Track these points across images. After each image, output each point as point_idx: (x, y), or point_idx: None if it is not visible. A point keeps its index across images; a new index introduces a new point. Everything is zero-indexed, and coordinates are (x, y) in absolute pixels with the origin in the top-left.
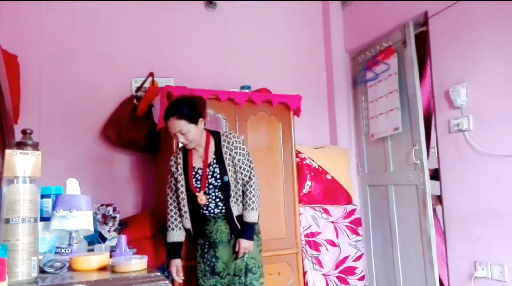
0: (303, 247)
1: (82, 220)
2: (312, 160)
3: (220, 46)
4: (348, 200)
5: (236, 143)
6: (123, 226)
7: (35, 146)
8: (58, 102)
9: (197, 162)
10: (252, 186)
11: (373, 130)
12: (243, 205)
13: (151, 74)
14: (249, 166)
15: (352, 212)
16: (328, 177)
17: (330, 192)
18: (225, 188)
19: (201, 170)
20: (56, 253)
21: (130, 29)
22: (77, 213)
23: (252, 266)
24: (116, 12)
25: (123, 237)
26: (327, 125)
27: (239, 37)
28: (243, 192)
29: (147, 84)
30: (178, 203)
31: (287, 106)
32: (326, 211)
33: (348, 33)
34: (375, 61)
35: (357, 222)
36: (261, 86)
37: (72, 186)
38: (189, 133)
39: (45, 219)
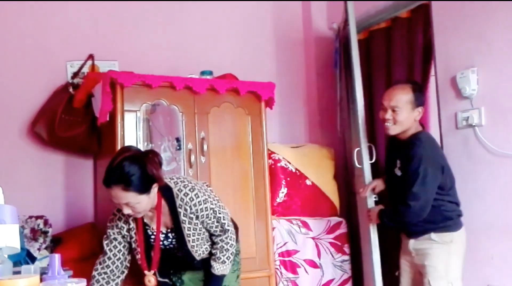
0: (277, 268)
1: (6, 236)
2: (288, 162)
3: (176, 23)
4: (333, 211)
5: (196, 205)
6: (57, 243)
7: None
8: None
9: (149, 224)
10: (224, 240)
11: None
12: (213, 254)
13: (91, 57)
14: (218, 220)
15: (337, 226)
16: (308, 183)
17: (310, 202)
18: (186, 256)
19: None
20: None
21: (65, 3)
22: None
23: None
24: None
25: (57, 257)
26: (306, 119)
27: (198, 12)
28: (214, 242)
29: (85, 69)
30: (117, 267)
31: (257, 96)
32: (305, 225)
33: (332, 5)
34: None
35: (343, 238)
36: (225, 71)
37: None
38: (138, 205)
39: None
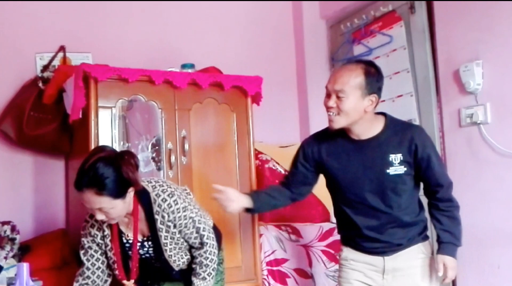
0: (264, 279)
1: None
2: (276, 162)
3: (155, 12)
4: (325, 216)
5: (174, 212)
6: (25, 251)
7: None
8: None
9: (125, 230)
10: (203, 255)
11: None
12: (193, 269)
13: (62, 49)
14: (197, 231)
15: (330, 232)
16: None
17: (301, 206)
18: (164, 267)
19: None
20: None
21: None
22: None
23: None
24: None
25: (25, 266)
26: (297, 117)
27: (179, 1)
28: (193, 256)
29: (56, 62)
30: (98, 277)
31: (243, 91)
32: (295, 231)
33: None
34: (368, 31)
35: (337, 245)
36: (208, 64)
37: None
38: (112, 210)
39: None
